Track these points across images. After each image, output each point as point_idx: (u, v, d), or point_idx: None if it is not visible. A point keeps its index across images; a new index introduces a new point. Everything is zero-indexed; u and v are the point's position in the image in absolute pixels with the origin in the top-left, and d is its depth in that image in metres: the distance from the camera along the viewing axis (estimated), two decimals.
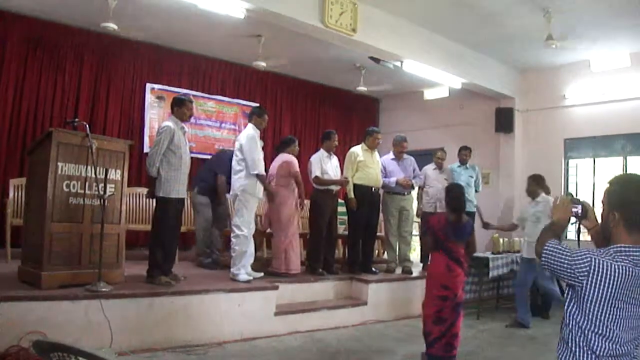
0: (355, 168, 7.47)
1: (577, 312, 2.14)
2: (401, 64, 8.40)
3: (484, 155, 9.20)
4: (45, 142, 5.12)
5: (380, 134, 7.73)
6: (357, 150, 7.61)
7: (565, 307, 2.21)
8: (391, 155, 8.04)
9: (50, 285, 4.82)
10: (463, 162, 8.83)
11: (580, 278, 2.08)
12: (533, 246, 6.79)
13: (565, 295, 2.24)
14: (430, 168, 8.59)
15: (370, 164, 7.55)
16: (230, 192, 6.60)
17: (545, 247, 2.22)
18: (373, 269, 7.62)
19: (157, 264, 5.71)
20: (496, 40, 8.61)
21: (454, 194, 5.35)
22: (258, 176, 6.31)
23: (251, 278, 6.25)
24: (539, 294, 7.77)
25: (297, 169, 6.95)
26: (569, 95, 9.59)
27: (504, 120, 10.15)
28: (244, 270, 6.23)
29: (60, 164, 5.00)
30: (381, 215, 7.99)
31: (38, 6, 7.72)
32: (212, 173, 7.47)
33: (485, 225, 7.30)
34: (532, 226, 6.93)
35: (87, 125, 5.18)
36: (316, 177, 7.19)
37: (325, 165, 7.27)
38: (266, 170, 6.75)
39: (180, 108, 5.91)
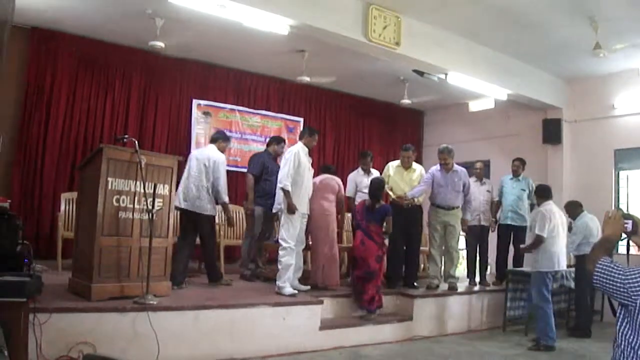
0: (387, 181, 7.51)
1: (629, 331, 2.07)
2: (445, 76, 8.32)
3: (531, 167, 8.96)
4: (96, 158, 5.25)
5: (409, 151, 7.61)
6: (391, 165, 7.76)
7: (617, 326, 2.14)
8: (438, 166, 7.76)
9: (100, 297, 4.93)
10: (515, 175, 8.53)
11: (633, 297, 2.02)
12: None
13: (617, 314, 2.17)
14: (471, 181, 8.13)
15: (400, 181, 7.54)
16: (275, 206, 6.69)
17: (597, 266, 2.14)
18: (415, 284, 7.53)
19: (218, 269, 6.80)
20: (542, 50, 8.45)
21: (373, 184, 6.71)
22: (283, 190, 6.32)
23: (296, 292, 6.26)
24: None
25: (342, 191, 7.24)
26: (618, 105, 9.31)
27: (551, 132, 9.91)
28: (289, 283, 6.26)
29: (110, 179, 5.12)
30: (427, 229, 7.89)
31: (88, 26, 7.99)
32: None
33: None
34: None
35: (136, 142, 5.33)
36: (347, 197, 7.56)
37: (360, 184, 7.60)
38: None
39: (223, 142, 6.89)
